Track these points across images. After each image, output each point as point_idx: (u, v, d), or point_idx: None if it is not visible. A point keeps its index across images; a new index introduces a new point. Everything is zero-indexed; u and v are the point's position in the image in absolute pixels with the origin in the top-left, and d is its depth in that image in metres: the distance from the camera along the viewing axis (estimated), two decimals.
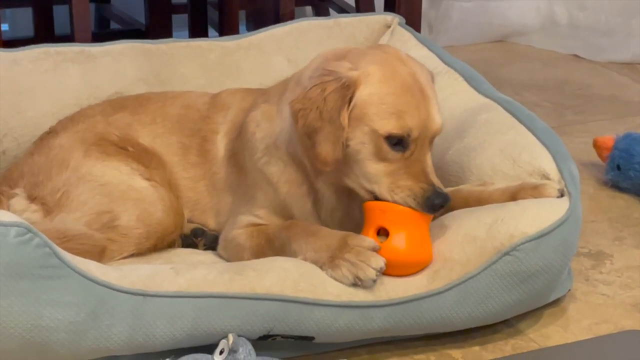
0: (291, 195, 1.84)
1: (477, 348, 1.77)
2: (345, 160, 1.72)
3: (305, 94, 1.71)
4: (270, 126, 1.83)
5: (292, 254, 1.72)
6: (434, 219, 1.76)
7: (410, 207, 1.68)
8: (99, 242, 1.76)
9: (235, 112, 1.96)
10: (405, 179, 1.68)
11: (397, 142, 1.69)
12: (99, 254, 1.74)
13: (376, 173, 1.70)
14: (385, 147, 1.69)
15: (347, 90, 1.68)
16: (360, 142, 1.70)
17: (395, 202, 1.68)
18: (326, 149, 1.69)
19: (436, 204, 1.67)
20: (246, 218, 1.85)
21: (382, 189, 1.69)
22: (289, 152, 1.81)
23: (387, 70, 1.72)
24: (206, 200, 1.98)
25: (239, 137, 1.91)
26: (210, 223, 1.98)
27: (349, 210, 1.83)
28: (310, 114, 1.69)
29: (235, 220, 1.87)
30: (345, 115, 1.69)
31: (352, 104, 1.69)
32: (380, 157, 1.70)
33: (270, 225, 1.81)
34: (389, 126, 1.68)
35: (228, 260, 1.85)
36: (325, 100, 1.68)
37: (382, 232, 1.69)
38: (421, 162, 1.70)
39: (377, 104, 1.69)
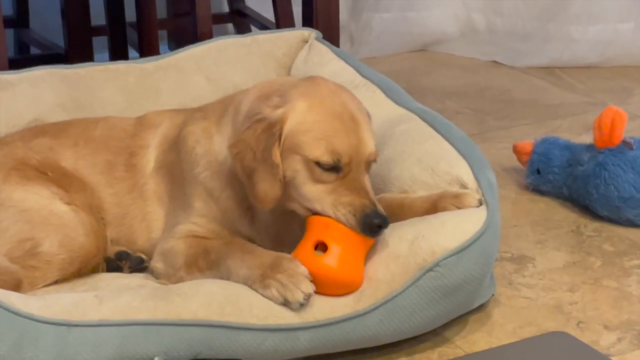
0: (231, 211, 1.84)
1: (404, 359, 1.77)
2: (285, 188, 1.72)
3: (240, 137, 1.73)
4: (209, 143, 1.83)
5: (225, 269, 1.71)
6: None
7: (351, 224, 1.67)
8: (15, 275, 1.71)
9: (168, 126, 1.95)
10: (347, 195, 1.69)
11: (331, 167, 1.70)
12: (16, 287, 1.70)
13: (317, 193, 1.71)
14: (318, 170, 1.70)
15: (274, 127, 1.70)
16: (294, 169, 1.71)
17: (337, 218, 1.68)
18: (264, 189, 1.70)
19: (374, 223, 1.66)
20: (185, 227, 1.83)
21: (324, 206, 1.69)
22: (230, 172, 1.81)
23: (314, 100, 1.73)
24: (134, 213, 1.94)
25: (173, 148, 1.90)
26: (140, 239, 1.95)
27: (287, 228, 1.82)
28: (245, 156, 1.71)
29: (173, 230, 1.85)
30: (277, 153, 1.70)
31: (282, 138, 1.70)
32: (316, 179, 1.71)
33: (210, 240, 1.80)
34: (318, 152, 1.69)
35: (161, 271, 1.83)
36: (257, 142, 1.70)
37: (320, 248, 1.68)
38: (359, 181, 1.70)
39: (305, 132, 1.70)
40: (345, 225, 1.68)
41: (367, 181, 1.72)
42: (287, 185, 1.72)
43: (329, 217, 1.69)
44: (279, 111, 1.71)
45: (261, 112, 1.72)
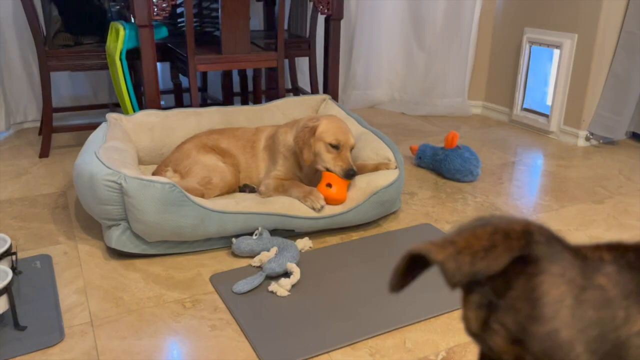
0: (294, 166, 1.81)
1: (361, 231, 1.77)
2: (314, 157, 1.73)
3: (298, 134, 1.75)
4: (286, 137, 1.82)
5: (289, 193, 1.72)
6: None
7: (340, 174, 1.70)
8: (200, 192, 1.74)
9: (269, 131, 1.92)
10: (339, 161, 1.71)
11: (335, 146, 1.71)
12: (201, 196, 1.73)
13: (328, 159, 1.71)
14: (330, 148, 1.71)
15: (312, 130, 1.72)
16: (319, 147, 1.72)
17: (335, 171, 1.71)
18: (307, 156, 1.72)
19: (350, 174, 1.70)
20: (274, 173, 1.80)
21: (330, 165, 1.71)
22: (293, 150, 1.81)
23: (329, 121, 1.75)
24: (252, 167, 1.91)
25: (271, 140, 1.86)
26: (254, 178, 1.90)
27: (314, 178, 1.83)
28: (299, 142, 1.73)
29: (269, 175, 1.82)
30: (312, 141, 1.71)
31: (315, 135, 1.71)
32: (328, 152, 1.72)
33: (284, 180, 1.78)
34: (330, 139, 1.71)
35: (264, 192, 1.79)
36: (305, 136, 1.72)
37: (328, 185, 1.70)
38: (346, 156, 1.72)
39: (325, 132, 1.72)
40: (339, 175, 1.70)
41: (349, 155, 1.73)
42: (315, 155, 1.73)
43: (331, 171, 1.70)
44: (315, 123, 1.74)
45: (307, 125, 1.75)
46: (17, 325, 1.27)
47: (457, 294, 1.46)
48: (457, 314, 1.39)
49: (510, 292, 0.30)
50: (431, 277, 1.54)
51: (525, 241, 0.30)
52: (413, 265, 0.31)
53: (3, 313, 1.29)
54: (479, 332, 0.31)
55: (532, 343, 0.28)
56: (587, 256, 0.30)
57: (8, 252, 1.42)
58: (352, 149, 1.76)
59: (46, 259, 1.57)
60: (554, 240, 0.30)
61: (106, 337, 1.26)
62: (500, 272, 0.30)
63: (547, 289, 0.28)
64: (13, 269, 1.44)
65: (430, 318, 1.36)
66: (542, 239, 0.30)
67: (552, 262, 0.29)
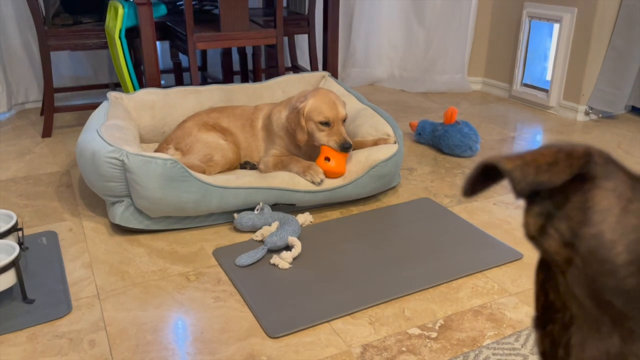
0: (290, 145, 1.80)
1: (361, 206, 1.79)
2: (308, 136, 1.73)
3: (288, 116, 1.75)
4: (280, 116, 1.83)
5: (289, 168, 1.73)
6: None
7: (336, 147, 1.69)
8: (202, 168, 1.75)
9: (267, 110, 1.91)
10: (334, 135, 1.70)
11: (325, 123, 1.70)
12: (203, 172, 1.73)
13: (321, 136, 1.71)
14: (320, 126, 1.71)
15: (300, 111, 1.71)
16: (311, 127, 1.72)
17: (330, 145, 1.70)
18: (300, 137, 1.72)
19: (345, 147, 1.69)
20: (272, 151, 1.81)
21: (324, 141, 1.71)
22: (288, 129, 1.81)
23: (316, 99, 1.72)
24: (252, 146, 1.92)
25: (267, 119, 1.85)
26: (255, 155, 1.91)
27: (312, 152, 1.83)
28: (291, 124, 1.73)
29: (267, 153, 1.83)
30: (303, 121, 1.71)
31: (305, 115, 1.71)
32: (320, 130, 1.71)
33: (282, 157, 1.79)
34: (320, 118, 1.70)
35: (263, 170, 1.80)
36: (294, 118, 1.72)
37: (326, 159, 1.70)
38: (339, 130, 1.71)
39: (313, 110, 1.71)
40: (335, 149, 1.70)
41: (343, 129, 1.71)
42: (309, 134, 1.73)
43: (327, 146, 1.70)
44: (302, 104, 1.72)
45: (296, 106, 1.74)
46: (25, 299, 1.30)
47: (453, 266, 1.48)
48: (455, 283, 1.42)
49: (567, 204, 0.34)
50: (429, 249, 1.56)
51: (585, 161, 0.33)
52: (485, 176, 0.36)
53: (11, 287, 1.31)
54: (536, 235, 0.36)
55: (580, 244, 0.33)
56: (639, 178, 0.34)
57: (14, 228, 1.44)
58: (344, 120, 1.74)
59: (52, 235, 1.59)
60: (611, 162, 0.34)
61: (112, 308, 1.29)
62: (560, 187, 0.34)
63: (598, 200, 0.33)
64: (19, 244, 1.47)
65: (428, 288, 1.38)
66: (600, 160, 0.34)
67: (607, 179, 0.33)
